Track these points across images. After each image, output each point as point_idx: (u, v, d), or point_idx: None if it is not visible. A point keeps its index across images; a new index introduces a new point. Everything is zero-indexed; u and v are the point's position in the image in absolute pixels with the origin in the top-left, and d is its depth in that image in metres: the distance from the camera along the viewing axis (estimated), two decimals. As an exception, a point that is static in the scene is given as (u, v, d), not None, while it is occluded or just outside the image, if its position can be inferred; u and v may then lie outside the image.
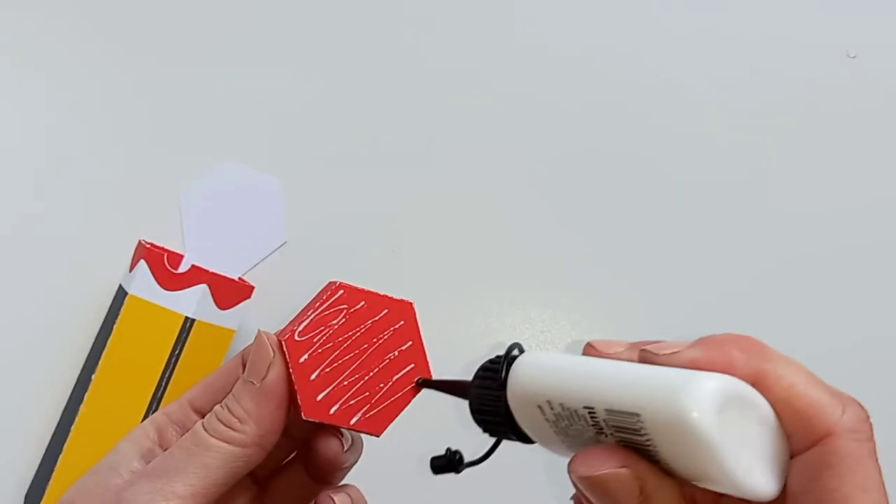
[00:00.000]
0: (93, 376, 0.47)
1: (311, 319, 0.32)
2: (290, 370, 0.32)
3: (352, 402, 0.33)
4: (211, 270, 0.48)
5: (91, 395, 0.47)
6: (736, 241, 0.52)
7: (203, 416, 0.33)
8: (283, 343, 0.32)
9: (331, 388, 0.32)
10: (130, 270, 0.49)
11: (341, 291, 0.33)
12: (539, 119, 0.53)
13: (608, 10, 0.54)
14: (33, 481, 0.49)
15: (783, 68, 0.53)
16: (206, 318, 0.48)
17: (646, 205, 0.52)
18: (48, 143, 0.53)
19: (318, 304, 0.33)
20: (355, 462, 0.35)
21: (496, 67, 0.53)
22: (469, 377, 0.30)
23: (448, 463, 0.33)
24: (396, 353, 0.34)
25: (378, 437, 0.33)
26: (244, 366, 0.33)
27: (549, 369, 0.26)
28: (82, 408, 0.47)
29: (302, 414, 0.32)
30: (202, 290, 0.48)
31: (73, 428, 0.47)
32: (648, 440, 0.23)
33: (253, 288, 0.50)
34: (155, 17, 0.54)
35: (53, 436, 0.49)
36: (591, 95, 0.53)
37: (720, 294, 0.51)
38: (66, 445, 0.47)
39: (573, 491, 0.26)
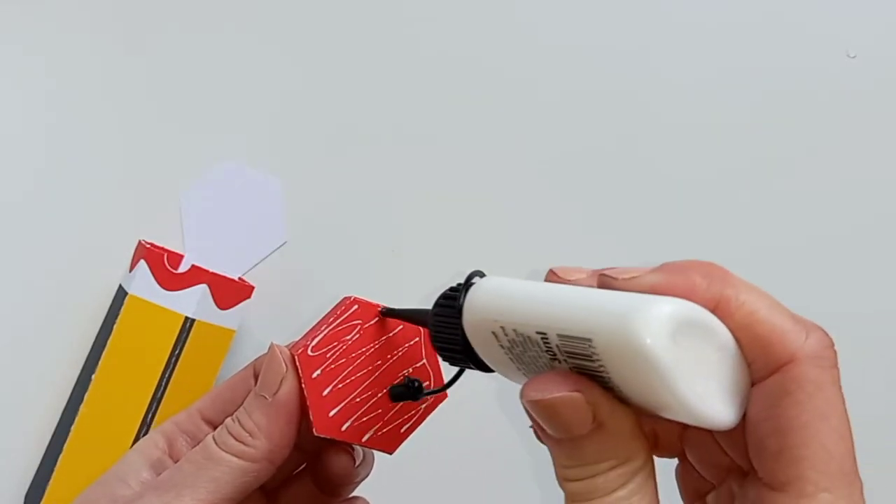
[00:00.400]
0: (93, 376, 0.47)
1: (325, 334, 0.32)
2: (303, 385, 0.31)
3: (364, 419, 0.32)
4: (211, 270, 0.48)
5: (91, 395, 0.47)
6: (737, 242, 0.52)
7: (213, 427, 0.33)
8: (296, 358, 0.31)
9: (343, 404, 0.32)
10: (130, 270, 0.49)
11: (356, 307, 0.32)
12: (540, 119, 0.53)
13: (607, 10, 0.54)
14: (33, 481, 0.49)
15: (782, 68, 0.53)
16: (206, 318, 0.48)
17: (647, 203, 0.52)
18: (48, 143, 0.53)
19: (331, 318, 0.32)
20: (366, 476, 0.35)
21: (497, 69, 0.53)
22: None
23: (406, 391, 0.32)
24: (411, 369, 0.33)
25: (391, 455, 0.33)
26: (256, 378, 0.33)
27: (503, 294, 0.25)
28: (82, 408, 0.47)
29: (314, 430, 0.31)
30: (202, 290, 0.48)
31: (73, 428, 0.47)
32: (601, 366, 0.22)
33: (253, 288, 0.50)
34: (154, 16, 0.54)
35: (53, 436, 0.49)
36: (591, 95, 0.53)
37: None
38: (66, 445, 0.47)
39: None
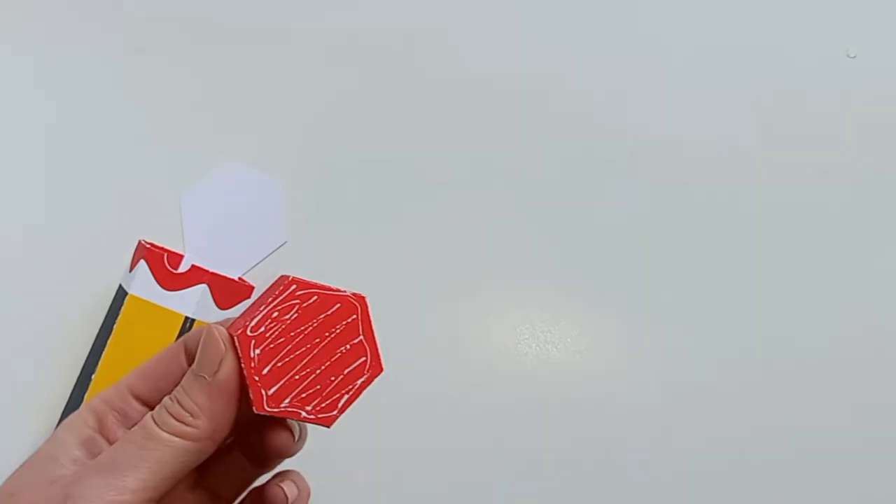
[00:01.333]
0: (93, 376, 0.47)
1: (263, 314, 0.33)
2: (242, 365, 0.32)
3: (303, 395, 0.33)
4: (211, 270, 0.48)
5: (91, 394, 0.47)
6: (734, 242, 0.52)
7: (143, 404, 0.34)
8: (236, 338, 0.32)
9: (283, 381, 0.33)
10: (130, 270, 0.49)
11: (294, 286, 0.33)
12: (537, 119, 0.53)
13: (600, 20, 0.54)
14: (33, 481, 0.49)
15: (781, 68, 0.53)
16: (206, 318, 0.48)
17: (646, 205, 0.52)
18: (47, 143, 0.53)
19: (270, 298, 0.33)
20: (299, 450, 0.36)
21: (499, 71, 0.53)
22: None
23: None
24: (348, 346, 0.34)
25: (329, 428, 0.34)
26: (189, 356, 0.34)
27: None
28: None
29: (254, 408, 0.32)
30: (202, 289, 0.48)
31: (73, 428, 0.47)
32: None
33: (253, 288, 0.50)
34: (156, 16, 0.54)
35: (53, 436, 0.49)
36: (589, 101, 0.53)
37: (719, 293, 0.51)
38: (66, 445, 0.47)
39: None
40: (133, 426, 0.33)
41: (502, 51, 0.54)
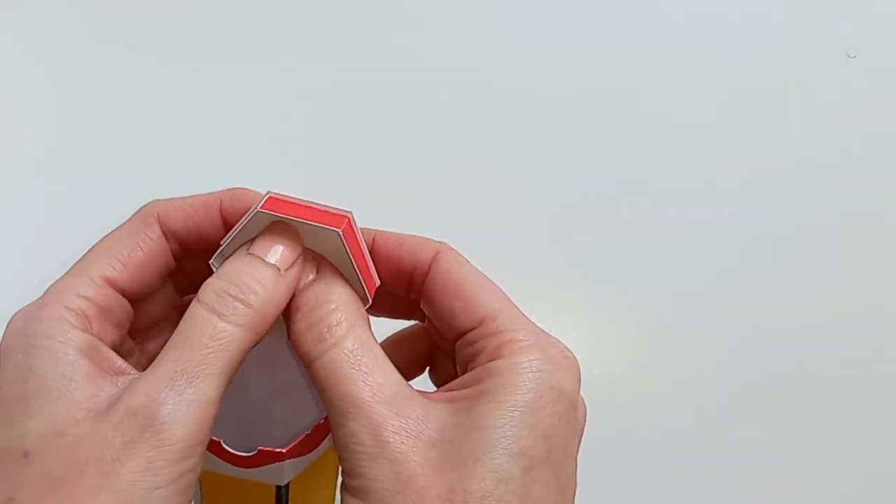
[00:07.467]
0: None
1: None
2: (352, 258, 0.31)
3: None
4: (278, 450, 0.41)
5: None
6: (734, 241, 0.52)
7: (126, 298, 0.29)
8: (345, 231, 0.31)
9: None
10: None
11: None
12: (535, 116, 0.53)
13: (604, 14, 0.54)
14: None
15: (781, 68, 0.53)
16: None
17: (643, 202, 0.52)
18: (51, 147, 0.53)
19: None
20: None
21: (499, 68, 0.53)
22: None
23: None
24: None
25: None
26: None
27: None
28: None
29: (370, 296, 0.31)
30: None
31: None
32: None
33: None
34: (157, 16, 0.54)
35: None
36: (589, 103, 0.53)
37: (722, 294, 0.51)
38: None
39: None
40: (123, 324, 0.29)
41: (498, 45, 0.54)
